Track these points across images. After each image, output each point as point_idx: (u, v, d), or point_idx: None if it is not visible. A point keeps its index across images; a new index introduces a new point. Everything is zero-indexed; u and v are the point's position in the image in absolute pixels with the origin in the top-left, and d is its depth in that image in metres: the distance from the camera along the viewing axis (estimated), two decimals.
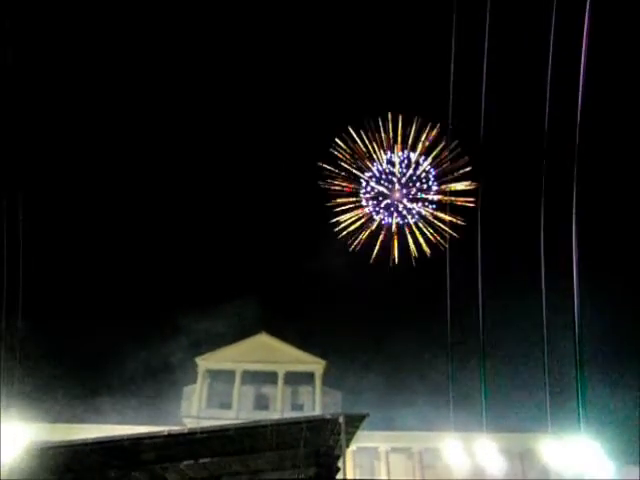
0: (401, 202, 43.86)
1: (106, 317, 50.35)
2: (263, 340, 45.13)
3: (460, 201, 42.59)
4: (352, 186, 44.18)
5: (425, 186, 43.41)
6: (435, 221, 43.27)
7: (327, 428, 13.85)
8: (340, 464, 16.10)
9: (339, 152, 43.79)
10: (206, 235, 61.63)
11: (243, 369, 43.47)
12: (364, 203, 44.50)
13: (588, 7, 21.04)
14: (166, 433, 11.94)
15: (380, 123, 42.97)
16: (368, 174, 43.95)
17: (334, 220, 44.40)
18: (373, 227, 44.39)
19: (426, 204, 43.37)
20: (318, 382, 44.14)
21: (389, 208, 44.34)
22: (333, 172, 44.12)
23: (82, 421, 37.05)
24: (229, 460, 15.29)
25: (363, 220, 44.69)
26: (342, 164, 43.93)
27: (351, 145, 43.71)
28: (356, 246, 44.79)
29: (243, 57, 68.61)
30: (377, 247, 44.37)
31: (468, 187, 42.59)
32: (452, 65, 27.08)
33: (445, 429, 37.81)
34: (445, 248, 40.56)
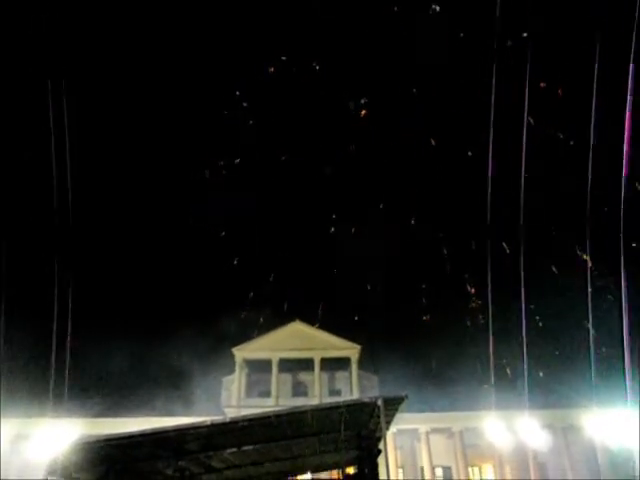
0: None
1: (145, 311, 51.53)
2: (297, 328, 45.42)
3: None
4: None
5: None
6: None
7: (366, 411, 13.81)
8: (381, 446, 16.09)
9: None
10: (234, 227, 61.69)
11: (279, 357, 43.89)
12: None
13: None
14: (209, 423, 12.09)
15: None
16: None
17: None
18: None
19: None
20: (354, 367, 44.24)
21: None
22: None
23: (125, 415, 38.03)
24: (271, 447, 15.45)
25: None
26: None
27: None
28: None
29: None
30: None
31: None
32: None
33: (486, 408, 37.52)
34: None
